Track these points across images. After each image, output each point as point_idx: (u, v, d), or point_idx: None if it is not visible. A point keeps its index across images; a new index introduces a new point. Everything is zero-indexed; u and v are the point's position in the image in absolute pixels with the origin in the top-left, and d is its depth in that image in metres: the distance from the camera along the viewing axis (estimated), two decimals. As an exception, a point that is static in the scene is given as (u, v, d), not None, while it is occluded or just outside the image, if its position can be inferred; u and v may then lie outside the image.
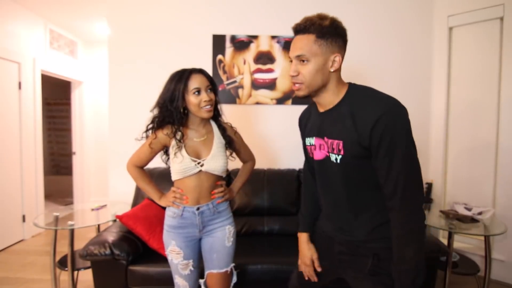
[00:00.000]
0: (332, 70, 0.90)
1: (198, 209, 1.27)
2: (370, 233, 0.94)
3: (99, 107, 4.01)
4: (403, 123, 0.83)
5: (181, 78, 1.21)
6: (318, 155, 1.00)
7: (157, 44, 2.44)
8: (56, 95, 5.03)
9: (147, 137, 1.31)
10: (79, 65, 3.87)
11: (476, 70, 2.29)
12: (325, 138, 0.95)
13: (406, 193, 0.83)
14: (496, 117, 2.19)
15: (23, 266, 2.46)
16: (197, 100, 1.20)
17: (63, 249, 2.07)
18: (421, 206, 0.86)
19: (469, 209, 1.97)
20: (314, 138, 1.01)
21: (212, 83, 1.27)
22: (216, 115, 1.35)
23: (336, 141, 0.91)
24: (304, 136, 1.10)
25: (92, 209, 2.10)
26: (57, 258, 1.92)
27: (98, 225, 2.05)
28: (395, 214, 0.86)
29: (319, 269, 1.11)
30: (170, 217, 1.29)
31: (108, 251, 1.63)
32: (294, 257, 1.75)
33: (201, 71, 1.25)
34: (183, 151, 1.23)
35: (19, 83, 2.97)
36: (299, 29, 0.90)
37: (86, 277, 2.08)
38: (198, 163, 1.24)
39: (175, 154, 1.22)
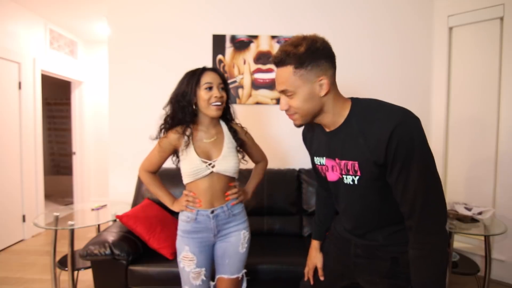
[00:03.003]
0: (322, 95, 0.83)
1: (212, 212, 1.24)
2: (388, 238, 0.91)
3: (99, 107, 4.01)
4: (417, 135, 0.76)
5: (194, 74, 1.21)
6: (331, 176, 0.95)
7: (157, 44, 2.44)
8: (56, 95, 5.03)
9: (158, 137, 1.29)
10: (79, 65, 3.86)
11: (476, 70, 2.29)
12: (337, 160, 0.90)
13: (425, 212, 0.77)
14: (496, 117, 2.19)
15: (23, 266, 2.46)
16: (207, 95, 1.18)
17: (63, 249, 2.07)
18: (442, 225, 0.79)
19: (469, 209, 1.96)
20: (324, 158, 0.96)
21: (225, 82, 1.25)
22: (227, 117, 1.33)
23: (350, 162, 0.86)
24: (312, 153, 1.05)
25: (92, 209, 2.10)
26: (57, 258, 1.92)
27: (98, 225, 2.05)
28: (413, 234, 0.80)
29: (322, 278, 1.11)
30: (183, 221, 1.26)
31: (108, 251, 1.63)
32: (294, 257, 1.76)
33: (215, 69, 1.25)
34: (193, 152, 1.20)
35: (19, 83, 2.96)
36: (277, 62, 0.84)
37: (86, 277, 2.08)
38: (209, 164, 1.21)
39: (184, 152, 1.20)
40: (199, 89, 1.19)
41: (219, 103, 1.20)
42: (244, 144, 1.34)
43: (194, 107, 1.21)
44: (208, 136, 1.26)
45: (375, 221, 0.93)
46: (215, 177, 1.23)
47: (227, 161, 1.23)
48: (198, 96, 1.20)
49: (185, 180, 1.25)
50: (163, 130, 1.26)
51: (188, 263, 1.22)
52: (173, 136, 1.22)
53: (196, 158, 1.19)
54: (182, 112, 1.21)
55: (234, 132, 1.31)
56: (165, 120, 1.26)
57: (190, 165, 1.19)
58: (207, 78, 1.19)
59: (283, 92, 0.86)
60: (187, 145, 1.20)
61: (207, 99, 1.18)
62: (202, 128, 1.26)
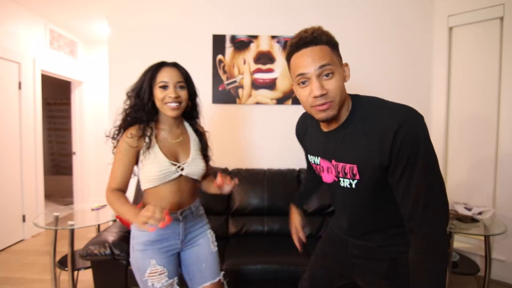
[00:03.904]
0: (346, 82, 0.81)
1: (181, 213, 1.14)
2: (387, 239, 0.90)
3: (99, 107, 4.01)
4: (422, 133, 0.73)
5: (150, 69, 1.12)
6: (326, 177, 0.93)
7: (157, 44, 2.44)
8: (56, 95, 5.03)
9: (114, 137, 1.14)
10: (79, 65, 3.86)
11: (476, 70, 2.29)
12: (333, 162, 0.86)
13: (426, 215, 0.74)
14: (496, 117, 2.19)
15: (23, 266, 2.46)
16: (162, 95, 1.08)
17: (63, 249, 2.07)
18: (444, 229, 0.76)
19: (469, 209, 1.97)
20: (319, 158, 0.93)
21: (187, 80, 1.14)
22: (192, 116, 1.24)
23: (348, 165, 0.82)
24: (306, 150, 1.04)
25: (92, 209, 2.09)
26: (57, 258, 1.92)
27: (98, 225, 2.05)
28: (413, 237, 0.78)
29: (304, 239, 1.23)
30: (145, 231, 1.08)
31: (108, 251, 1.63)
32: (294, 257, 1.76)
33: (175, 65, 1.14)
34: (160, 153, 1.09)
35: (19, 83, 2.96)
36: (309, 40, 0.77)
37: (86, 277, 2.08)
38: (178, 167, 1.11)
39: (147, 154, 1.07)
40: (155, 87, 1.09)
41: (173, 104, 1.08)
42: (207, 148, 1.26)
43: (150, 105, 1.10)
44: (172, 136, 1.16)
45: (372, 223, 0.92)
46: (183, 180, 1.13)
47: (196, 164, 1.15)
48: (154, 95, 1.10)
49: (148, 185, 1.10)
50: (121, 130, 1.12)
51: (158, 278, 1.08)
52: (129, 139, 1.07)
53: (165, 160, 1.08)
54: (141, 110, 1.10)
55: (200, 135, 1.24)
56: (123, 118, 1.13)
57: (158, 168, 1.07)
58: (162, 76, 1.09)
59: (322, 68, 0.76)
60: (148, 147, 1.07)
61: (161, 98, 1.08)
62: (165, 128, 1.16)
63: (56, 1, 2.85)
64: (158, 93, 1.09)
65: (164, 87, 1.09)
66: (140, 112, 1.10)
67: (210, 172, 1.33)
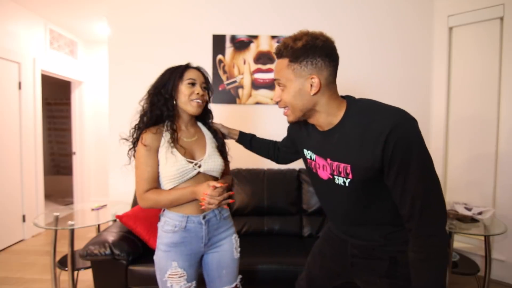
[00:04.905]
0: (312, 94, 0.82)
1: (204, 217, 1.14)
2: (385, 238, 0.90)
3: (99, 107, 4.01)
4: (415, 137, 0.75)
5: (177, 69, 1.16)
6: (322, 174, 0.94)
7: (157, 44, 2.44)
8: (56, 95, 5.03)
9: (134, 137, 1.15)
10: (79, 65, 3.86)
11: (476, 70, 2.29)
12: (328, 160, 0.89)
13: (424, 215, 0.76)
14: (496, 117, 2.19)
15: (23, 266, 2.46)
16: (189, 91, 1.12)
17: (63, 249, 2.07)
18: (442, 228, 0.78)
19: (469, 209, 1.96)
20: (314, 155, 0.95)
21: (207, 82, 1.20)
22: (206, 117, 1.28)
23: (342, 165, 0.84)
24: (300, 144, 1.04)
25: (92, 209, 2.10)
26: (57, 258, 1.92)
27: (98, 225, 2.05)
28: (413, 236, 0.79)
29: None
30: (169, 233, 1.11)
31: (108, 251, 1.63)
32: (294, 257, 1.76)
33: (199, 68, 1.20)
34: (176, 152, 1.10)
35: (19, 83, 2.96)
36: (276, 53, 0.87)
37: (86, 277, 2.08)
38: (195, 164, 1.12)
39: (165, 153, 1.09)
40: (181, 84, 1.13)
41: (199, 101, 1.14)
42: (225, 144, 1.29)
43: (172, 102, 1.14)
44: (188, 135, 1.18)
45: (366, 220, 0.92)
46: (201, 178, 1.13)
47: (213, 160, 1.16)
48: (179, 91, 1.13)
49: (167, 186, 1.10)
50: (137, 131, 1.14)
51: (177, 280, 1.10)
52: (148, 137, 1.09)
53: (182, 158, 1.09)
54: (163, 106, 1.12)
55: (214, 132, 1.27)
56: (141, 117, 1.15)
57: (175, 167, 1.07)
58: (191, 74, 1.15)
59: (275, 81, 0.88)
60: (171, 143, 1.09)
61: (189, 94, 1.12)
62: (181, 127, 1.18)
63: (56, 1, 2.85)
64: (185, 89, 1.13)
65: (193, 84, 1.14)
66: (165, 108, 1.13)
67: (227, 172, 1.31)
